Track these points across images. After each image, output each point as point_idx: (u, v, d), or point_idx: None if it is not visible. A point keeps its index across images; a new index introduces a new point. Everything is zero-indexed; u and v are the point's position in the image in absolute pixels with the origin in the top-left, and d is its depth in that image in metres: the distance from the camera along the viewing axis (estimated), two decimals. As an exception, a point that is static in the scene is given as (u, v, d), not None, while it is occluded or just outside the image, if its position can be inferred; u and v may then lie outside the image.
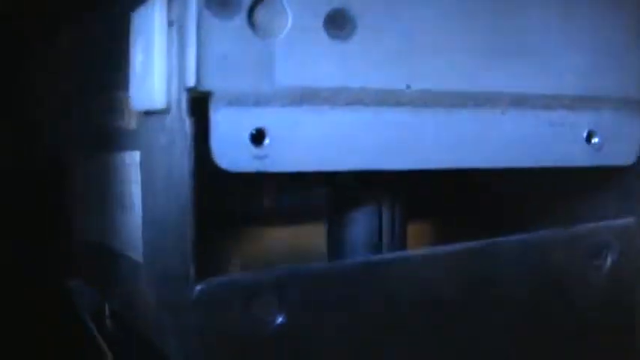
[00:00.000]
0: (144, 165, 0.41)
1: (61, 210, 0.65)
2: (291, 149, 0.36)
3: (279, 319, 0.35)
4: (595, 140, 0.42)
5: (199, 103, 0.35)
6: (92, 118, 0.51)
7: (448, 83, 0.38)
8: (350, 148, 0.37)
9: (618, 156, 0.43)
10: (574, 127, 0.42)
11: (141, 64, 0.38)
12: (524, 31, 0.40)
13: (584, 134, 0.42)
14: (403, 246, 0.44)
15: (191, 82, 0.34)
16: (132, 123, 0.43)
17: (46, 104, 0.65)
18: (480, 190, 0.49)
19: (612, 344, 0.42)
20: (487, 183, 0.45)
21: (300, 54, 0.36)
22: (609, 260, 0.41)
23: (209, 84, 0.34)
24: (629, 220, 0.42)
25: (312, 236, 0.45)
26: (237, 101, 0.35)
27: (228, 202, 0.45)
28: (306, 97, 0.36)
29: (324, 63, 0.36)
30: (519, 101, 0.40)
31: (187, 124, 0.34)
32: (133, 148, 0.43)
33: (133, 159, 0.43)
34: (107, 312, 0.58)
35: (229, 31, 0.34)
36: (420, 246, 0.48)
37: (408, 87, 0.37)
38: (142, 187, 0.41)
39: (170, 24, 0.36)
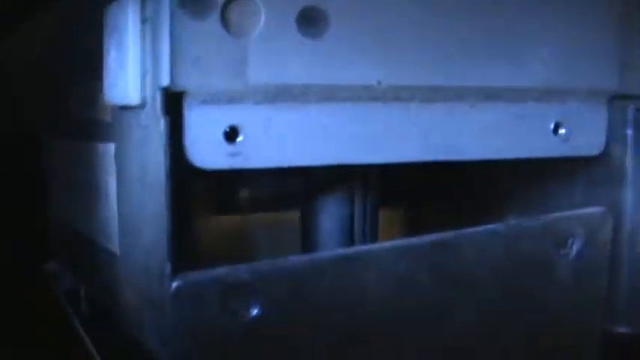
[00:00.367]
0: (119, 158, 0.41)
1: (37, 189, 0.65)
2: (265, 146, 0.36)
3: (256, 312, 0.35)
4: (562, 131, 0.43)
5: (174, 101, 0.35)
6: (67, 104, 0.51)
7: (418, 78, 0.39)
8: (323, 144, 0.38)
9: (585, 146, 0.44)
10: (541, 119, 0.43)
11: (114, 60, 0.38)
12: (493, 25, 0.41)
13: (552, 126, 0.43)
14: (375, 234, 0.45)
15: (165, 81, 0.34)
16: (107, 115, 0.43)
17: (26, 81, 0.65)
18: (452, 179, 0.50)
19: (577, 329, 0.44)
20: (459, 171, 0.46)
21: (273, 52, 0.36)
22: (575, 249, 0.42)
23: (183, 83, 0.34)
24: (594, 210, 0.43)
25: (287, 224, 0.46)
26: (211, 99, 0.35)
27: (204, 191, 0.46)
28: (279, 94, 0.36)
29: (297, 60, 0.36)
30: (488, 94, 0.41)
31: (162, 122, 0.35)
32: (108, 140, 0.43)
33: (107, 151, 0.43)
34: (82, 294, 0.58)
35: (203, 31, 0.35)
36: (393, 233, 0.49)
37: (379, 83, 0.38)
38: (117, 180, 0.41)
39: (143, 21, 0.36)
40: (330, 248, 0.44)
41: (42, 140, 0.60)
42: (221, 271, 0.35)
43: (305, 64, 0.37)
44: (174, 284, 0.34)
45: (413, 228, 0.52)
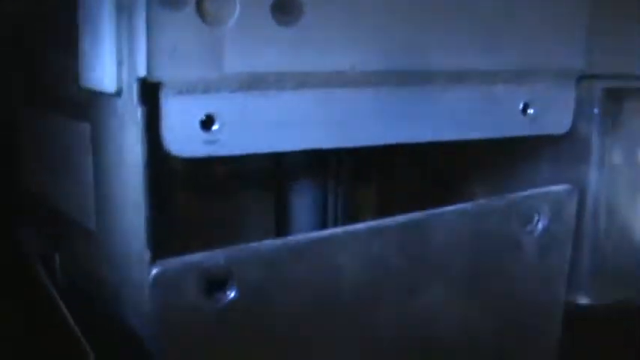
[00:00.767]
0: (94, 140, 0.41)
1: (8, 155, 0.65)
2: (241, 133, 0.37)
3: (232, 295, 0.36)
4: (530, 111, 0.44)
5: (150, 91, 0.36)
6: (41, 76, 0.51)
7: (390, 63, 0.39)
8: (298, 129, 0.38)
9: (553, 125, 0.45)
10: (511, 100, 0.44)
11: (90, 46, 0.38)
12: (463, 9, 0.41)
13: (520, 106, 0.44)
14: (349, 214, 0.46)
15: (142, 72, 0.35)
16: (80, 95, 0.43)
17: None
18: (425, 158, 0.51)
19: (542, 301, 0.45)
20: (431, 151, 0.47)
21: (248, 40, 0.36)
22: (540, 225, 0.44)
23: (160, 74, 0.35)
24: (560, 187, 0.44)
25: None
26: (187, 89, 0.36)
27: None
28: (255, 82, 0.37)
29: (272, 48, 0.37)
30: (458, 78, 0.42)
31: (139, 112, 0.35)
32: (82, 120, 0.43)
33: (82, 130, 0.43)
34: (57, 262, 0.59)
35: (179, 21, 0.35)
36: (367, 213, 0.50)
37: (352, 68, 0.39)
38: (94, 161, 0.42)
39: (119, 10, 0.36)
40: (304, 231, 0.45)
41: (15, 111, 0.60)
42: (198, 256, 0.36)
43: (280, 52, 0.37)
44: (154, 271, 0.35)
45: (384, 207, 0.53)
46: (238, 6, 0.36)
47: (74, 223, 0.47)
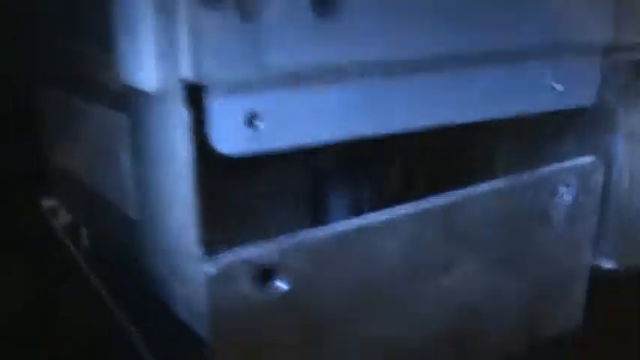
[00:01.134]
0: (133, 132, 0.42)
1: (30, 127, 0.65)
2: (284, 127, 0.38)
3: (284, 287, 0.38)
4: (558, 85, 0.45)
5: (194, 91, 0.36)
6: (68, 56, 0.51)
7: (426, 49, 0.40)
8: (339, 120, 0.39)
9: (579, 98, 0.46)
10: (539, 76, 0.44)
11: (128, 44, 0.38)
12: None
13: (548, 81, 0.44)
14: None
15: (186, 73, 0.35)
16: (115, 84, 0.43)
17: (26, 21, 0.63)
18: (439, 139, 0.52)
19: (570, 267, 0.47)
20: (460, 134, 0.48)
21: (289, 36, 0.36)
22: (568, 197, 0.45)
23: (203, 74, 0.35)
24: (586, 160, 0.46)
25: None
26: (231, 87, 0.36)
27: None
28: (296, 77, 0.37)
29: (311, 42, 0.37)
30: (488, 58, 0.42)
31: (185, 113, 0.35)
32: (117, 109, 0.44)
33: (119, 120, 0.43)
34: (85, 235, 0.60)
35: (220, 20, 0.35)
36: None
37: (391, 57, 0.39)
38: (132, 153, 0.42)
39: (158, 10, 0.36)
40: (339, 211, 0.47)
41: (35, 80, 0.60)
42: (250, 250, 0.37)
43: (319, 45, 0.37)
44: (207, 268, 0.36)
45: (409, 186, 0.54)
46: (278, 2, 0.36)
47: (110, 205, 0.48)
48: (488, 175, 0.45)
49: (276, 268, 0.38)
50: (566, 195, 0.45)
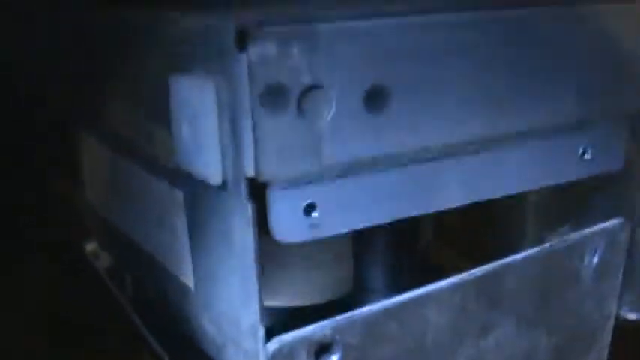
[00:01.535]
0: (191, 213, 0.44)
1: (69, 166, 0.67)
2: (339, 215, 0.40)
3: (337, 358, 0.41)
4: (588, 155, 0.47)
5: (256, 186, 0.38)
6: (111, 116, 0.52)
7: (469, 133, 0.42)
8: (389, 204, 0.41)
9: (609, 164, 0.48)
10: (570, 147, 0.47)
11: (189, 134, 0.40)
12: (530, 71, 0.43)
13: (579, 152, 0.47)
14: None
15: (250, 172, 0.37)
16: (169, 160, 0.45)
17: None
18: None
19: (597, 319, 0.50)
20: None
21: (344, 132, 0.39)
22: (596, 258, 0.48)
23: (267, 173, 0.37)
24: (613, 222, 0.48)
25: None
26: (291, 183, 0.38)
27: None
28: (350, 169, 0.40)
29: (365, 136, 0.39)
30: (524, 136, 0.45)
31: (249, 208, 0.38)
32: (174, 185, 0.46)
33: (174, 195, 0.46)
34: (129, 283, 0.62)
35: (281, 123, 0.37)
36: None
37: (437, 143, 0.41)
38: (190, 229, 0.45)
39: (220, 105, 0.38)
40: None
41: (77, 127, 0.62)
42: (308, 329, 0.40)
43: (372, 139, 0.40)
44: (270, 347, 0.39)
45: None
46: (334, 101, 0.38)
47: (161, 267, 0.50)
48: (516, 232, 0.48)
49: (330, 341, 0.40)
50: (594, 257, 0.48)
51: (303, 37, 0.37)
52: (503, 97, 0.43)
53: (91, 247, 0.65)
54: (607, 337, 0.51)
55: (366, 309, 0.41)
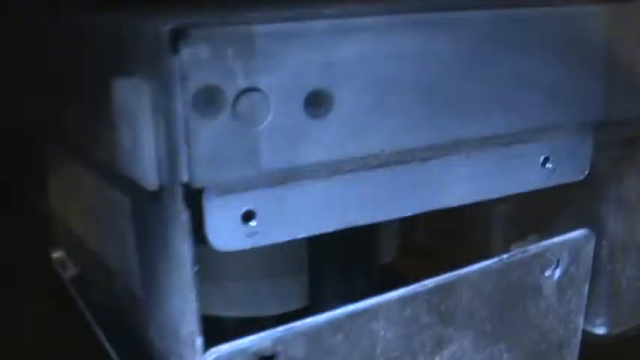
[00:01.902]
0: (136, 217, 0.43)
1: (35, 177, 0.66)
2: (279, 222, 0.39)
3: (281, 373, 0.39)
4: (549, 164, 0.46)
5: (192, 192, 0.37)
6: (70, 125, 0.52)
7: (418, 140, 0.41)
8: (332, 212, 0.40)
9: (571, 174, 0.47)
10: (530, 156, 0.45)
11: (128, 140, 0.40)
12: (486, 77, 0.42)
13: (541, 160, 0.46)
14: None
15: (184, 177, 0.36)
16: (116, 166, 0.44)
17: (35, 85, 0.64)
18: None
19: (562, 334, 0.48)
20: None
21: (283, 137, 0.37)
22: (560, 271, 0.46)
23: (201, 179, 0.36)
24: (578, 233, 0.47)
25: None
26: (228, 189, 0.37)
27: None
28: (290, 176, 0.39)
29: (305, 142, 0.38)
30: (482, 143, 0.43)
31: (183, 214, 0.37)
32: (122, 192, 0.45)
33: (123, 202, 0.45)
34: (94, 293, 0.61)
35: (216, 128, 0.36)
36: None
37: (383, 150, 0.40)
38: (136, 236, 0.44)
39: (155, 111, 0.37)
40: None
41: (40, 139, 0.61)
42: (247, 340, 0.39)
43: (313, 144, 0.38)
44: (208, 358, 0.38)
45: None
46: (272, 105, 0.37)
47: (115, 276, 0.49)
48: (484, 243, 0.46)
49: (271, 353, 0.39)
50: (557, 269, 0.46)
51: (239, 38, 0.36)
52: (456, 102, 0.41)
53: (57, 255, 0.64)
54: (574, 353, 0.49)
55: (308, 321, 0.40)
